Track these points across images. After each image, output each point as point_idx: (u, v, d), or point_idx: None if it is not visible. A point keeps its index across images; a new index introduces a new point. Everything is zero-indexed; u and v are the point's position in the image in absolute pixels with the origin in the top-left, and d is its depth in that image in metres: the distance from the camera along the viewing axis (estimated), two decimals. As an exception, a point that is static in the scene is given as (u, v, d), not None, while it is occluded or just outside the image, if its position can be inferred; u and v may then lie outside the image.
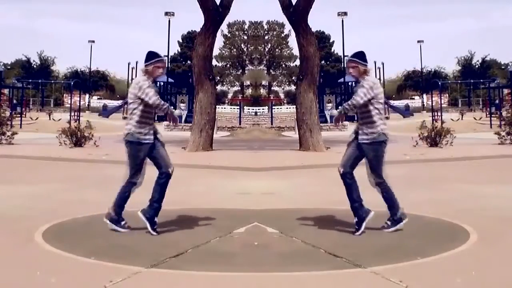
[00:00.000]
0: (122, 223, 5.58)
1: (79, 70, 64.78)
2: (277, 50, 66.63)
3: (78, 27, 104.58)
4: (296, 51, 34.06)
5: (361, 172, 5.67)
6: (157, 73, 5.72)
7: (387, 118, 43.64)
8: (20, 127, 27.21)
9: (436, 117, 30.01)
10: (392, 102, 53.37)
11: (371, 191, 5.77)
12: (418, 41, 55.66)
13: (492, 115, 32.70)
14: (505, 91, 43.67)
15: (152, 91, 5.51)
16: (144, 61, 5.70)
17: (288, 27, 54.94)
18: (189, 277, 4.05)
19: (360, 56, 5.72)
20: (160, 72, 5.74)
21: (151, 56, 5.73)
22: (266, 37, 65.95)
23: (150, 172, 5.74)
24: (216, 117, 18.76)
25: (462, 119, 37.17)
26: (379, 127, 5.48)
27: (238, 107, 44.25)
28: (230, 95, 66.97)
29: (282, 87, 67.21)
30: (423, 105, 54.36)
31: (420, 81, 58.61)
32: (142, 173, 5.69)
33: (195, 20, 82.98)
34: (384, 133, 5.51)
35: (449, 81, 56.21)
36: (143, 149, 5.53)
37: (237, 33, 66.18)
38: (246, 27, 65.10)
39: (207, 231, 5.46)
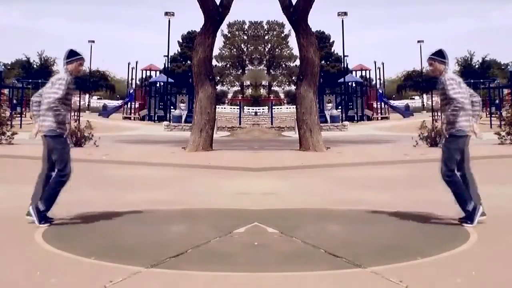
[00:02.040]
0: (50, 219, 5.68)
1: (79, 70, 64.67)
2: (277, 50, 66.63)
3: (78, 27, 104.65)
4: (296, 51, 34.04)
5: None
6: (79, 69, 5.99)
7: (387, 118, 43.77)
8: (20, 127, 27.16)
9: (436, 117, 29.94)
10: (392, 102, 53.36)
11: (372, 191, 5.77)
12: (418, 41, 55.56)
13: (492, 115, 32.67)
14: (505, 91, 43.63)
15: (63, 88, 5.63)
16: (66, 59, 5.89)
17: (288, 27, 55.00)
18: (189, 277, 4.05)
19: (438, 54, 5.85)
20: (81, 68, 6.01)
21: (74, 53, 5.92)
22: (266, 37, 65.94)
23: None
24: (216, 117, 18.74)
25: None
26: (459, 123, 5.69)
27: (238, 107, 44.19)
28: (230, 95, 66.95)
29: (282, 87, 67.21)
30: (423, 105, 54.33)
31: (420, 81, 58.58)
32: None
33: (195, 20, 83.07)
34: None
35: (449, 81, 56.02)
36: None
37: (237, 33, 66.17)
38: (246, 27, 65.13)
39: (207, 231, 5.46)
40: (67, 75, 5.79)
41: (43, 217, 5.65)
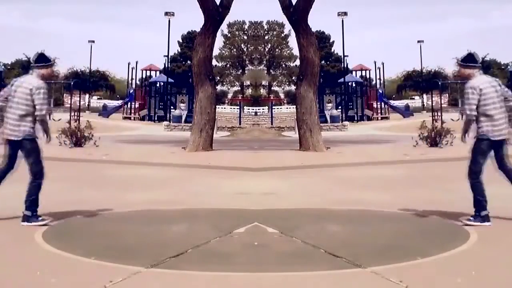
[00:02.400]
0: (39, 218, 5.78)
1: (79, 70, 64.80)
2: (277, 50, 66.63)
3: (78, 27, 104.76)
4: (296, 51, 34.01)
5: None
6: (53, 74, 6.20)
7: (387, 118, 43.75)
8: (20, 127, 27.13)
9: (436, 117, 29.94)
10: (392, 102, 53.37)
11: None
12: (418, 41, 55.63)
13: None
14: (505, 91, 43.57)
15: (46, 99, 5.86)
16: (38, 63, 5.98)
17: (288, 27, 54.95)
18: (189, 277, 4.06)
19: (463, 58, 5.96)
20: (53, 74, 6.22)
21: (48, 58, 6.09)
22: (266, 37, 65.95)
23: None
24: (216, 117, 18.73)
25: (462, 119, 37.05)
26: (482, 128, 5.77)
27: (238, 107, 44.15)
28: (230, 95, 66.95)
29: (282, 87, 67.21)
30: (423, 105, 54.31)
31: (420, 81, 58.59)
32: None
33: (195, 20, 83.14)
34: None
35: (449, 81, 56.10)
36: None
37: (237, 33, 66.18)
38: (246, 27, 65.13)
39: (207, 231, 5.46)
40: (42, 81, 5.88)
41: (35, 216, 5.78)
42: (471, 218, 5.73)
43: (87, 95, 55.76)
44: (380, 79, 51.68)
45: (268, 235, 5.35)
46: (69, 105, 38.68)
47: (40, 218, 5.76)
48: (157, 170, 11.45)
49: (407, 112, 45.98)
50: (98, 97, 65.96)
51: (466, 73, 5.88)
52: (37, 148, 5.88)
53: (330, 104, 39.33)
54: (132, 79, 50.28)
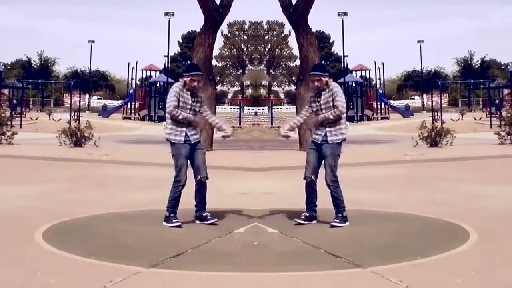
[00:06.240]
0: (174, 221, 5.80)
1: (79, 70, 64.82)
2: (277, 50, 66.58)
3: (78, 27, 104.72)
4: (296, 51, 33.97)
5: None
6: (192, 85, 6.10)
7: (387, 118, 43.75)
8: (20, 127, 27.16)
9: (436, 117, 29.95)
10: (392, 102, 53.36)
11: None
12: (418, 41, 55.68)
13: (492, 115, 32.65)
14: (505, 91, 43.64)
15: (173, 99, 5.97)
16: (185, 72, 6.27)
17: (288, 27, 54.86)
18: (189, 277, 4.06)
19: (322, 69, 6.23)
20: (194, 84, 6.10)
21: (189, 69, 6.36)
22: (266, 37, 65.90)
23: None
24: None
25: (462, 119, 37.09)
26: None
27: (238, 107, 44.17)
28: (230, 95, 66.93)
29: (282, 87, 67.17)
30: (423, 105, 54.32)
31: (420, 81, 58.60)
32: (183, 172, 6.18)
33: (195, 20, 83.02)
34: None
35: (449, 81, 56.16)
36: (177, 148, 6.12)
37: (237, 33, 66.16)
38: (246, 27, 65.11)
39: (207, 231, 5.46)
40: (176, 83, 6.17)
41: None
42: (337, 220, 5.78)
43: (87, 95, 55.77)
44: (380, 79, 51.75)
45: (268, 235, 5.35)
46: (69, 105, 38.73)
47: (175, 220, 5.78)
48: (157, 170, 11.44)
49: (407, 112, 45.99)
50: (98, 97, 66.02)
51: (326, 81, 6.01)
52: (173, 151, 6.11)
53: (330, 104, 39.26)
54: (132, 79, 50.30)
